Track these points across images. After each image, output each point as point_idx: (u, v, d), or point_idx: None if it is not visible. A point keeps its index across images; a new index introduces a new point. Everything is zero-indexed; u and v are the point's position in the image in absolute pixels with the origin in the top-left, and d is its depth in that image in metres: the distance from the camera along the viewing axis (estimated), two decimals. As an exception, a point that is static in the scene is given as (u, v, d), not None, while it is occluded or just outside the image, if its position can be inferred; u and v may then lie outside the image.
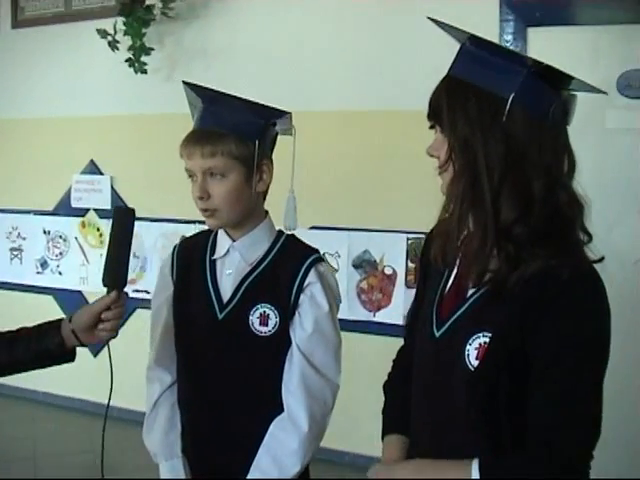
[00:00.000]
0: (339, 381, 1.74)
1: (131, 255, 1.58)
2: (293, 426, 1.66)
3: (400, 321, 3.61)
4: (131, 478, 1.79)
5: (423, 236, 3.99)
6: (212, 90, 1.71)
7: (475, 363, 1.27)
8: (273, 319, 1.68)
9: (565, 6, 3.16)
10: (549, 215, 1.27)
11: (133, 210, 1.60)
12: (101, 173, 4.44)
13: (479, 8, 3.34)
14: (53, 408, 4.45)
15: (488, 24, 3.32)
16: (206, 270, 1.74)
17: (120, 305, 1.58)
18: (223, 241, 1.75)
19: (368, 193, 3.70)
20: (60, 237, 4.59)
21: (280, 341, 1.69)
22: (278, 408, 1.69)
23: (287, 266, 1.71)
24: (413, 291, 3.59)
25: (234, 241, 1.73)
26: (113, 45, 4.03)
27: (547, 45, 3.30)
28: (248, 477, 1.66)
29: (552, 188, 1.27)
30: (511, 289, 1.25)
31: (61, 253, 4.60)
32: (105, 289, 1.59)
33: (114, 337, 1.60)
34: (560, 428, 1.21)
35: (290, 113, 1.75)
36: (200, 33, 4.05)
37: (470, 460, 1.24)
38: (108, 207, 4.40)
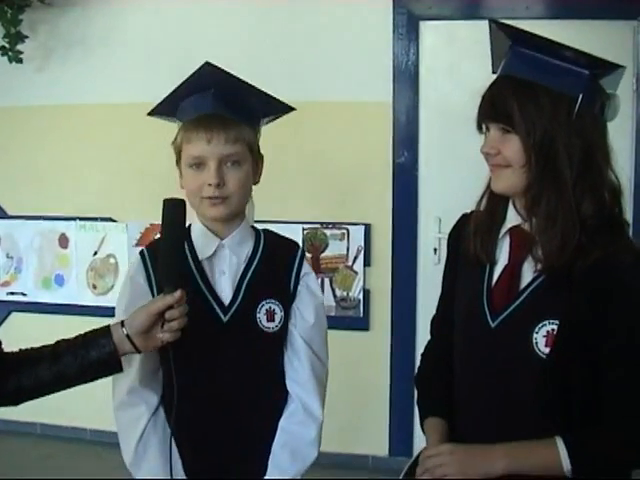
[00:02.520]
0: (328, 365, 1.77)
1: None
2: (309, 417, 1.65)
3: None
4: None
5: (318, 226, 4.03)
6: (227, 73, 1.62)
7: (546, 350, 1.34)
8: (279, 313, 1.66)
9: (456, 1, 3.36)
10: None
11: (183, 201, 1.50)
12: (-34, 171, 4.14)
13: (372, 2, 3.46)
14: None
15: (382, 17, 3.46)
16: (194, 273, 1.65)
17: (183, 302, 1.49)
18: (207, 240, 1.66)
19: (262, 186, 3.69)
20: None
21: (283, 334, 1.69)
22: (284, 400, 1.69)
23: (280, 259, 1.70)
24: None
25: (222, 239, 1.67)
26: (-20, 33, 3.79)
27: (439, 39, 3.49)
28: (267, 477, 1.62)
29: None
30: (573, 276, 1.32)
31: None
32: None
33: (177, 338, 1.50)
34: (635, 408, 1.32)
35: (295, 109, 1.75)
36: (78, 21, 3.87)
37: (550, 439, 1.32)
38: (-23, 207, 4.11)
